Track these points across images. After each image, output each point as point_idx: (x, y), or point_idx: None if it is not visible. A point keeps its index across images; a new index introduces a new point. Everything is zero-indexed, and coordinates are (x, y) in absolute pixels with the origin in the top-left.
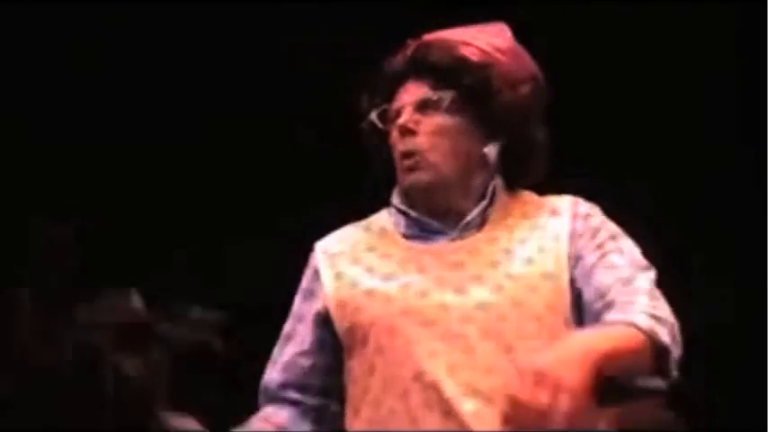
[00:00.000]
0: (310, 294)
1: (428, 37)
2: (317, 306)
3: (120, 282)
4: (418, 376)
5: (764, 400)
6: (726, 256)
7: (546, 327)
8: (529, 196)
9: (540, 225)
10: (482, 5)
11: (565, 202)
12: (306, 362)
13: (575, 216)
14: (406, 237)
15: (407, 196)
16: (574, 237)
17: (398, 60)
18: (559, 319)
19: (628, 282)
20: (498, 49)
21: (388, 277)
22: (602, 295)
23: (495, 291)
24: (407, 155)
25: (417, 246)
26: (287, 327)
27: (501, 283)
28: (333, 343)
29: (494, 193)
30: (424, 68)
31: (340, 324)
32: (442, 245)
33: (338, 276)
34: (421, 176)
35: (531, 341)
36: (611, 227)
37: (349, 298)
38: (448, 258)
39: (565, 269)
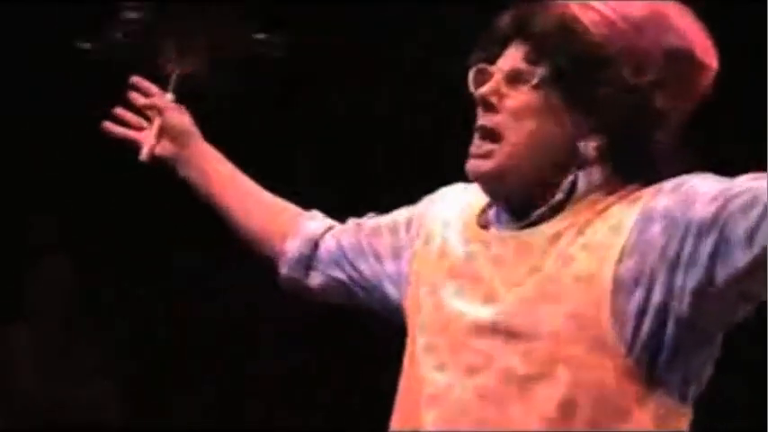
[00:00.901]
0: (406, 230)
1: None
2: (400, 244)
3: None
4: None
5: (764, 400)
6: None
7: (561, 346)
8: (633, 192)
9: (607, 216)
10: None
11: (653, 186)
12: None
13: (656, 194)
14: (483, 215)
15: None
16: (650, 219)
17: (505, 18)
18: (586, 337)
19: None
20: (629, 20)
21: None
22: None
23: (512, 308)
24: (483, 134)
25: (486, 232)
26: (374, 219)
27: (519, 293)
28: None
29: (572, 190)
30: (527, 31)
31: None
32: (498, 233)
33: (427, 241)
34: (487, 166)
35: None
36: (697, 179)
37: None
38: (493, 250)
39: (610, 267)
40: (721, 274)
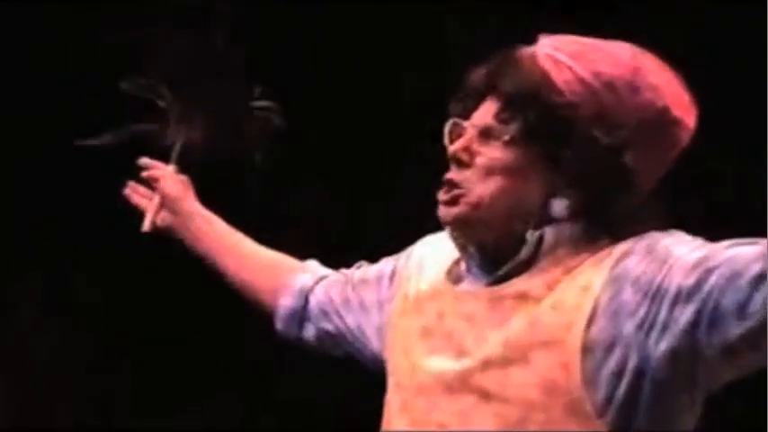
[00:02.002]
0: (390, 281)
1: (519, 49)
2: (380, 299)
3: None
4: None
5: (765, 400)
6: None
7: (535, 413)
8: (603, 249)
9: (576, 275)
10: None
11: (623, 245)
12: (339, 299)
13: (627, 254)
14: (454, 269)
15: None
16: (622, 282)
17: (479, 71)
18: (557, 402)
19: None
20: (602, 79)
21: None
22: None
23: (482, 365)
24: (450, 184)
25: (455, 287)
26: (363, 270)
27: (489, 355)
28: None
29: (540, 245)
30: (499, 89)
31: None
32: (468, 289)
33: (405, 298)
34: (454, 211)
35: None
36: (669, 240)
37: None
38: (464, 307)
39: (579, 331)
40: (709, 344)
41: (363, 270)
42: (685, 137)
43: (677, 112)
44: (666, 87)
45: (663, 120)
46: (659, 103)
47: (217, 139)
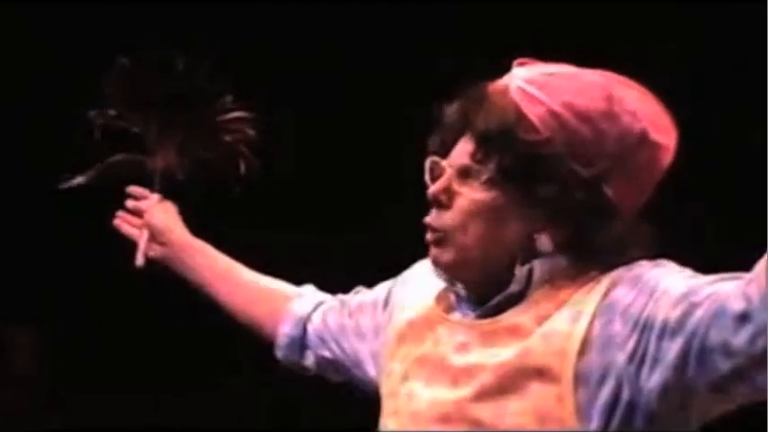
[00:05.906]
0: (384, 307)
1: (492, 83)
2: (377, 323)
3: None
4: None
5: (764, 400)
6: (725, 252)
7: None
8: (592, 279)
9: (567, 306)
10: None
11: (612, 274)
12: (336, 326)
13: (615, 285)
14: (444, 298)
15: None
16: (611, 314)
17: (453, 107)
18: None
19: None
20: (576, 110)
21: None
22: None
23: (477, 395)
24: (432, 228)
25: (447, 316)
26: (360, 295)
27: (486, 380)
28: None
29: (530, 279)
30: (472, 129)
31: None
32: (459, 319)
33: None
34: (442, 254)
35: None
36: (657, 271)
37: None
38: (458, 337)
39: (571, 361)
40: (699, 379)
41: (361, 295)
42: (666, 159)
43: (656, 135)
44: (643, 111)
45: (642, 145)
46: (637, 128)
47: (194, 159)
